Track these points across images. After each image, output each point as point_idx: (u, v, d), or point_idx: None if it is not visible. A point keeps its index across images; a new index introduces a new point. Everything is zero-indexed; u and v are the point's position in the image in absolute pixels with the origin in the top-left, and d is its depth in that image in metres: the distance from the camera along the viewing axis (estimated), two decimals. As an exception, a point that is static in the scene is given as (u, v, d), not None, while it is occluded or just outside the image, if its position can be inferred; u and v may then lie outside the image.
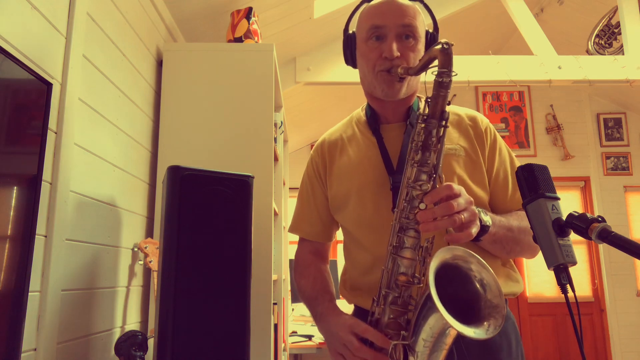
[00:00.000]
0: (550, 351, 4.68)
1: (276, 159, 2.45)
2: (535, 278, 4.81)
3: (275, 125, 2.34)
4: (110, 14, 1.59)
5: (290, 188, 3.42)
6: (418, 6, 1.11)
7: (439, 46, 0.88)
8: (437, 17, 1.17)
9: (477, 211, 0.92)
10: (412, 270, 0.92)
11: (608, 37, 3.46)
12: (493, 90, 5.14)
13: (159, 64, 2.04)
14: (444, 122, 0.92)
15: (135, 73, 1.80)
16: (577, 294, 0.73)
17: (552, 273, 0.75)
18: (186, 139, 1.95)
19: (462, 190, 0.90)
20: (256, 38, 2.17)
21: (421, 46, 1.09)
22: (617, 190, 4.90)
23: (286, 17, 2.67)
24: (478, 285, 0.85)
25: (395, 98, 1.09)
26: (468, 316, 0.83)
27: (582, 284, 4.81)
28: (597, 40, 3.48)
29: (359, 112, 1.24)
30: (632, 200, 4.93)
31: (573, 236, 0.76)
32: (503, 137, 5.00)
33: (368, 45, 1.08)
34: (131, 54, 1.76)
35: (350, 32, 1.16)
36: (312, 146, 5.04)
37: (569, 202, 4.97)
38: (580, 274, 4.82)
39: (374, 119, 1.15)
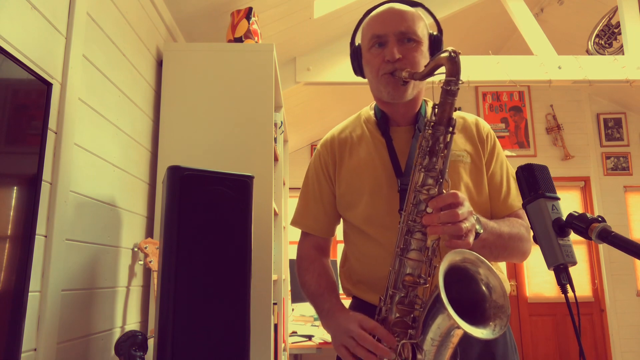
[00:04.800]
0: (550, 351, 4.67)
1: (276, 159, 2.45)
2: (535, 278, 4.81)
3: (275, 125, 2.34)
4: (110, 14, 1.59)
5: (290, 188, 3.42)
6: (420, 11, 1.15)
7: (446, 54, 0.91)
8: (437, 17, 1.19)
9: (474, 221, 0.96)
10: (419, 271, 0.95)
11: (608, 37, 3.46)
12: (493, 90, 5.14)
13: (159, 64, 2.04)
14: (450, 129, 0.95)
15: (135, 73, 1.80)
16: (577, 294, 0.73)
17: (552, 273, 0.75)
18: (186, 139, 1.95)
19: (466, 199, 0.94)
20: (256, 38, 2.17)
21: (424, 48, 1.13)
22: (617, 190, 4.90)
23: (286, 17, 2.67)
24: (484, 287, 0.88)
25: (401, 100, 1.12)
26: (474, 316, 0.86)
27: (582, 284, 4.81)
28: (597, 40, 3.48)
29: (368, 111, 1.26)
30: (632, 200, 4.92)
31: (573, 236, 0.76)
32: (503, 137, 5.04)
33: (371, 53, 1.13)
34: (131, 54, 1.76)
35: (356, 44, 1.20)
36: (312, 146, 5.04)
37: (569, 202, 4.96)
38: (580, 274, 4.81)
39: (384, 121, 1.19)
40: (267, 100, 1.99)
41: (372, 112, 1.24)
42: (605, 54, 3.42)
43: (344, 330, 1.00)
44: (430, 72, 0.96)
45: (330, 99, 4.24)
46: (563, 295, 0.73)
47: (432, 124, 0.96)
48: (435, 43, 1.16)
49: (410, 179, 0.98)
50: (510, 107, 5.13)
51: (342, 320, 1.04)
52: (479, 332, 0.82)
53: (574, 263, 0.75)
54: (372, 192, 1.14)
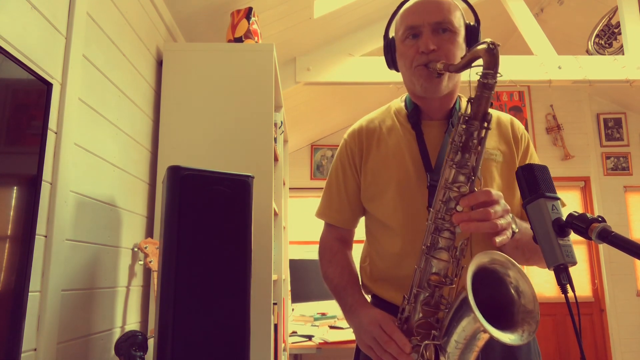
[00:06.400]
0: (550, 351, 4.67)
1: (276, 159, 2.45)
2: (535, 278, 4.81)
3: (275, 125, 2.34)
4: (110, 14, 1.59)
5: (290, 188, 3.42)
6: (457, 1, 1.12)
7: (484, 46, 0.87)
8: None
9: (511, 220, 0.92)
10: (445, 270, 0.92)
11: (608, 37, 3.45)
12: (493, 90, 5.13)
13: (159, 64, 2.04)
14: (485, 124, 0.91)
15: (135, 73, 1.80)
16: (577, 294, 0.73)
17: (552, 273, 0.75)
18: (186, 139, 1.95)
19: (501, 196, 0.90)
20: (256, 38, 2.17)
21: (460, 39, 1.08)
22: (617, 190, 4.90)
23: (286, 17, 2.67)
24: (513, 291, 0.85)
25: (435, 94, 1.09)
26: (502, 320, 0.83)
27: (582, 284, 4.81)
28: (597, 40, 3.48)
29: (398, 102, 1.22)
30: (632, 200, 4.92)
31: (573, 236, 0.76)
32: (503, 137, 5.02)
33: (405, 44, 1.10)
34: (131, 54, 1.76)
35: (390, 37, 1.18)
36: (312, 146, 5.04)
37: (569, 202, 4.96)
38: (580, 274, 4.81)
39: (415, 113, 1.15)
40: (267, 100, 1.99)
41: (402, 104, 1.20)
42: (605, 54, 3.41)
43: (366, 330, 0.99)
44: (466, 65, 0.91)
45: (330, 99, 4.24)
46: (563, 295, 0.72)
47: (467, 118, 0.91)
48: (472, 33, 1.12)
49: (441, 176, 0.94)
50: (510, 107, 5.13)
51: (363, 318, 1.02)
52: (507, 338, 0.79)
53: (574, 263, 0.75)
54: (399, 186, 1.10)
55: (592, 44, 3.48)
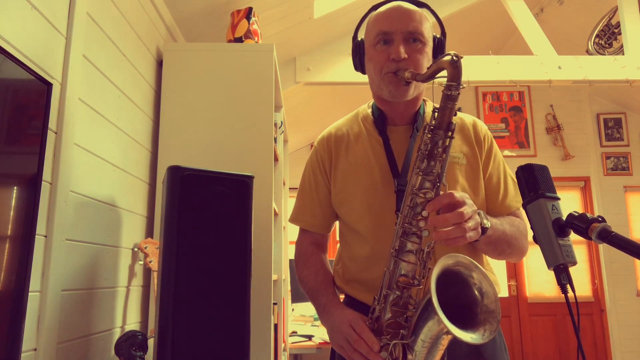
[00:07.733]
0: (550, 351, 4.67)
1: (276, 159, 2.45)
2: (535, 278, 4.81)
3: (275, 125, 2.34)
4: (110, 14, 1.59)
5: (290, 188, 3.42)
6: (425, 11, 1.15)
7: (449, 58, 0.92)
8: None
9: (479, 219, 0.96)
10: (413, 272, 0.97)
11: (608, 37, 3.46)
12: (493, 91, 5.14)
13: (159, 64, 2.04)
14: (450, 133, 0.96)
15: (135, 73, 1.80)
16: (577, 294, 0.73)
17: (552, 273, 0.75)
18: (186, 139, 1.95)
19: (466, 197, 0.95)
20: (256, 38, 2.17)
21: (429, 49, 1.12)
22: (617, 190, 4.90)
23: (286, 17, 2.67)
24: (476, 292, 0.90)
25: (402, 99, 1.12)
26: (465, 320, 0.87)
27: (582, 284, 4.81)
28: (597, 40, 3.48)
29: (365, 108, 1.25)
30: (632, 200, 4.92)
31: (573, 236, 0.76)
32: (503, 137, 5.03)
33: (376, 50, 1.12)
34: (131, 54, 1.76)
35: (359, 39, 1.20)
36: (312, 146, 5.04)
37: (569, 202, 4.96)
38: (580, 274, 4.81)
39: (381, 120, 1.18)
40: (267, 100, 1.99)
41: (369, 110, 1.23)
42: (605, 54, 3.42)
43: (338, 330, 1.02)
44: (432, 75, 0.96)
45: (330, 99, 4.24)
46: (563, 295, 0.73)
47: (432, 127, 0.97)
48: (439, 46, 1.16)
49: (408, 182, 0.99)
50: (510, 107, 5.13)
51: (336, 318, 1.05)
52: (469, 337, 0.84)
53: (574, 263, 0.75)
54: (367, 191, 1.14)
55: (592, 44, 3.48)
